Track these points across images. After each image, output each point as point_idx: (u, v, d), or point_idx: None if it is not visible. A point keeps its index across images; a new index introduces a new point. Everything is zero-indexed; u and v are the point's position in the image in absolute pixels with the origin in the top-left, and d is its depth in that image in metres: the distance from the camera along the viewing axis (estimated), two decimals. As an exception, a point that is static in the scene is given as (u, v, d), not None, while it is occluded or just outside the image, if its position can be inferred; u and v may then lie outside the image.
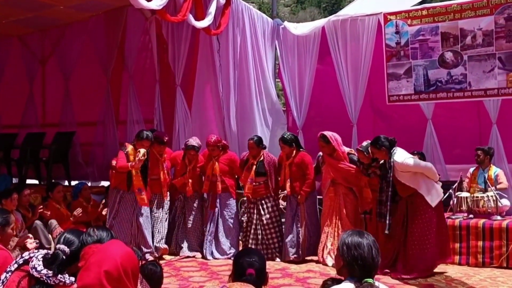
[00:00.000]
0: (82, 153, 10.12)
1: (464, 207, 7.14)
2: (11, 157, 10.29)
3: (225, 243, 7.37)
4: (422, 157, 8.10)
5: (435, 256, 6.22)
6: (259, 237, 7.23)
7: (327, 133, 6.95)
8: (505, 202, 7.25)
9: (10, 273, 2.87)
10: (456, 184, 7.24)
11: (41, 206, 7.31)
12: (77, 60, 10.33)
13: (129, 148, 6.95)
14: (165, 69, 9.22)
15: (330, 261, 6.67)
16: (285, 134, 7.32)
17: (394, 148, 6.29)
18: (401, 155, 6.23)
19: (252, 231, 7.28)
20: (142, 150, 6.75)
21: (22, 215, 6.82)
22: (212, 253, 7.34)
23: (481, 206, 7.02)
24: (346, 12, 9.66)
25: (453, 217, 7.08)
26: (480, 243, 6.75)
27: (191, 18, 7.82)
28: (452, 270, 6.57)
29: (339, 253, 2.67)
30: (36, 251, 2.99)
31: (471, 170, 7.76)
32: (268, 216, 7.23)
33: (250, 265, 2.70)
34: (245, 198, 7.64)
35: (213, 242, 7.38)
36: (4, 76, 11.31)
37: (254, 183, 7.26)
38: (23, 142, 10.14)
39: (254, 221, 7.27)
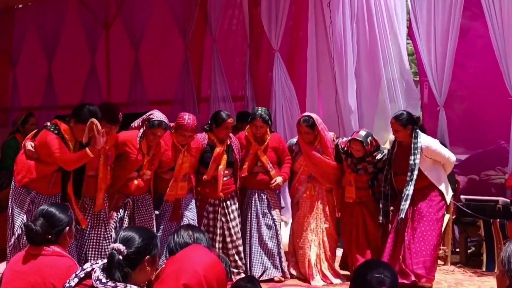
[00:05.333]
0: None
1: None
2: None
3: None
4: None
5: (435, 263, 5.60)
6: (229, 249, 5.81)
7: (313, 115, 5.91)
8: None
9: None
10: None
11: None
12: (148, 23, 9.47)
13: (62, 127, 4.52)
14: (258, 30, 8.35)
15: (318, 280, 5.67)
16: (261, 110, 5.89)
17: (416, 129, 5.63)
18: (429, 138, 5.69)
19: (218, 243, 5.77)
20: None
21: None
22: None
23: None
24: None
25: None
26: None
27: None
28: None
29: (503, 269, 2.26)
30: (99, 261, 2.70)
31: None
32: (235, 222, 5.83)
33: (382, 283, 2.28)
34: None
35: None
36: (60, 46, 10.42)
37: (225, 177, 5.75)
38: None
39: (219, 230, 5.76)
